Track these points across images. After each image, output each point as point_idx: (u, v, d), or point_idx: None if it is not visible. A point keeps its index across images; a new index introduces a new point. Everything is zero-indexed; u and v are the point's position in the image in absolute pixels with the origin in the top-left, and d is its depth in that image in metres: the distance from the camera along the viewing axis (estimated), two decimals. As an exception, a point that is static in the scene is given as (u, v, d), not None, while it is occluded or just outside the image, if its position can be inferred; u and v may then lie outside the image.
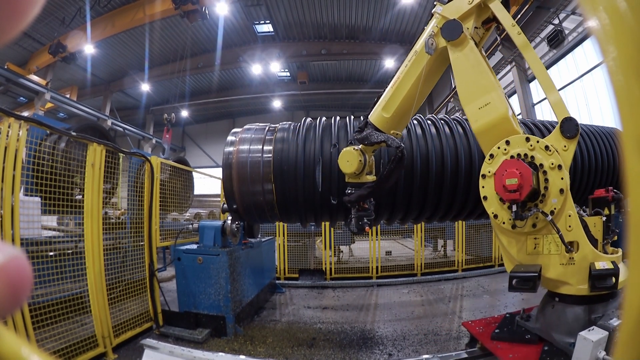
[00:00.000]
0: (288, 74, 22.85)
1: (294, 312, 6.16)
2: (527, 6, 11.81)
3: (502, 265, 8.76)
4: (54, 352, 3.50)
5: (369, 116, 3.39)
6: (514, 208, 2.66)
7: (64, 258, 3.83)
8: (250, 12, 17.04)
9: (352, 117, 4.73)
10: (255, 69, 20.55)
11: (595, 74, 10.76)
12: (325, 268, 8.14)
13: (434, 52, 3.01)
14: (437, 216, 4.70)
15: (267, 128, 4.80)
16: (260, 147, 4.53)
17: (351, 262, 9.65)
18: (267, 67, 20.47)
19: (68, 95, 18.96)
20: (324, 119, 4.72)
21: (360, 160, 3.25)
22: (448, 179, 4.28)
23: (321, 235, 8.40)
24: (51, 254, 3.80)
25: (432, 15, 3.18)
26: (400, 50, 18.13)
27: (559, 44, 11.85)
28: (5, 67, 15.25)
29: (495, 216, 2.89)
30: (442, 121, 4.63)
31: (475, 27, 3.07)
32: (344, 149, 3.31)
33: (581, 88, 11.41)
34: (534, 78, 13.75)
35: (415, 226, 8.41)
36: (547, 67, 12.89)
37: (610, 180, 5.31)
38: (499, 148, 2.87)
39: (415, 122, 4.59)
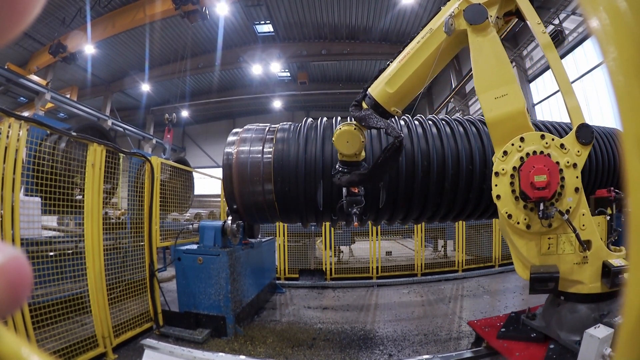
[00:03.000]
0: (288, 74, 22.85)
1: (294, 312, 6.16)
2: (527, 6, 11.80)
3: (502, 265, 8.79)
4: (54, 352, 3.50)
5: (369, 89, 3.17)
6: (542, 206, 2.59)
7: (64, 258, 3.83)
8: (251, 13, 17.04)
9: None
10: (256, 69, 20.55)
11: (596, 74, 10.76)
12: (326, 268, 8.14)
13: (452, 33, 2.89)
14: (438, 216, 4.69)
15: (267, 128, 4.80)
16: (261, 147, 4.53)
17: (351, 262, 9.66)
18: (267, 68, 20.47)
19: (68, 96, 18.97)
20: (324, 119, 4.72)
21: (362, 141, 3.04)
22: (449, 178, 4.28)
23: (321, 236, 8.40)
24: (51, 254, 3.80)
25: None
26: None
27: (559, 44, 11.85)
28: (6, 67, 15.27)
29: (509, 216, 2.78)
30: (443, 121, 4.63)
31: (497, 17, 2.97)
32: (344, 128, 3.06)
33: (581, 88, 11.41)
34: (534, 78, 13.79)
35: (415, 226, 8.41)
36: (548, 68, 12.91)
37: (610, 181, 5.31)
38: (512, 145, 2.78)
39: (416, 122, 4.59)
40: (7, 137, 3.29)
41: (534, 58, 13.64)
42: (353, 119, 3.17)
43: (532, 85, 13.85)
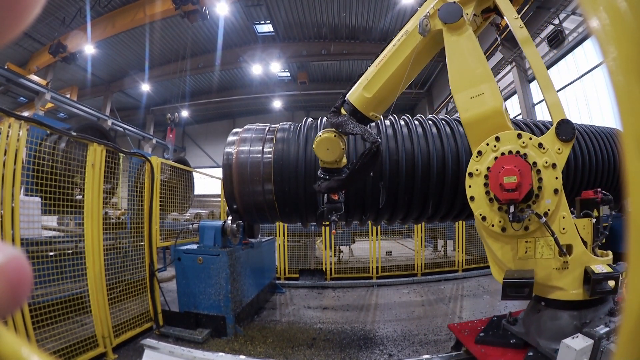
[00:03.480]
0: (288, 74, 22.85)
1: (294, 312, 6.16)
2: (527, 6, 11.82)
3: (502, 265, 8.77)
4: (54, 352, 3.50)
5: (348, 94, 3.10)
6: (512, 209, 2.48)
7: (64, 258, 3.83)
8: (251, 12, 17.04)
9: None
10: (256, 69, 20.55)
11: (596, 74, 10.76)
12: (326, 268, 8.14)
13: (427, 34, 2.82)
14: (438, 216, 4.69)
15: (267, 128, 4.80)
16: (261, 147, 4.53)
17: (351, 262, 9.65)
18: (267, 68, 20.46)
19: (68, 96, 18.96)
20: (324, 119, 4.72)
21: (342, 148, 2.97)
22: (449, 179, 4.28)
23: (321, 236, 8.40)
24: (51, 254, 3.80)
25: None
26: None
27: (559, 44, 11.85)
28: (6, 67, 15.26)
29: (484, 218, 2.70)
30: (443, 121, 4.62)
31: (475, 15, 2.92)
32: (324, 135, 2.98)
33: (581, 88, 11.41)
34: (534, 78, 13.78)
35: (415, 226, 8.41)
36: (548, 68, 12.90)
37: (611, 181, 5.30)
38: (487, 145, 2.69)
39: (416, 122, 4.59)
40: (7, 137, 3.29)
41: (534, 58, 13.61)
42: (330, 126, 3.07)
43: (532, 85, 13.84)
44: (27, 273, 0.30)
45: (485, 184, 2.66)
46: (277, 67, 20.69)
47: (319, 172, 3.16)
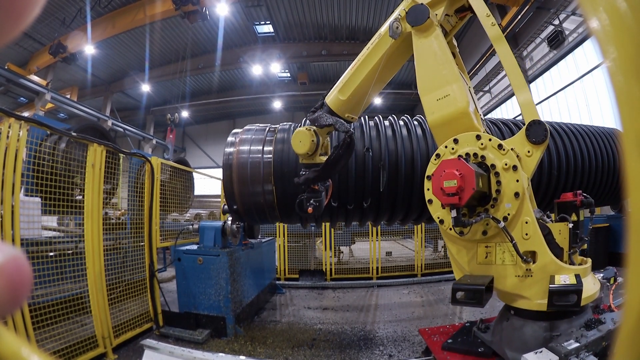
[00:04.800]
0: (288, 74, 22.86)
1: (294, 312, 6.16)
2: (527, 7, 11.82)
3: (502, 266, 8.77)
4: (54, 352, 3.50)
5: (326, 97, 3.24)
6: (454, 213, 2.39)
7: (64, 258, 3.83)
8: (251, 13, 17.05)
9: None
10: (256, 70, 20.55)
11: (596, 75, 10.77)
12: (326, 269, 8.14)
13: (398, 36, 2.82)
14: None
15: (267, 129, 4.80)
16: (261, 147, 4.52)
17: (351, 262, 9.66)
18: (267, 68, 20.47)
19: (68, 96, 18.95)
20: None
21: (312, 141, 3.03)
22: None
23: (321, 236, 8.40)
24: (51, 254, 3.80)
25: None
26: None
27: (559, 45, 11.86)
28: (6, 67, 15.26)
29: (442, 222, 2.65)
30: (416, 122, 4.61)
31: (447, 15, 2.90)
32: (297, 129, 3.10)
33: (581, 89, 11.41)
34: (534, 79, 13.79)
35: (415, 227, 8.41)
36: (548, 68, 12.93)
37: (611, 181, 5.30)
38: (446, 147, 2.65)
39: (416, 122, 4.59)
40: (7, 137, 3.29)
41: (534, 59, 13.64)
42: (309, 123, 3.21)
43: (532, 85, 13.84)
44: (27, 273, 0.30)
45: (431, 188, 2.59)
46: (277, 68, 20.70)
47: (301, 171, 3.22)
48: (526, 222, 2.44)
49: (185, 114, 24.36)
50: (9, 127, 3.31)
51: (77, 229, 4.60)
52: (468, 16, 3.05)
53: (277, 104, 24.69)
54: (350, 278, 8.19)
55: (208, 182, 9.25)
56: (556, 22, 11.82)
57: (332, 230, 8.14)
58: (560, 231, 2.65)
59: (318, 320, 5.63)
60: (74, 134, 4.11)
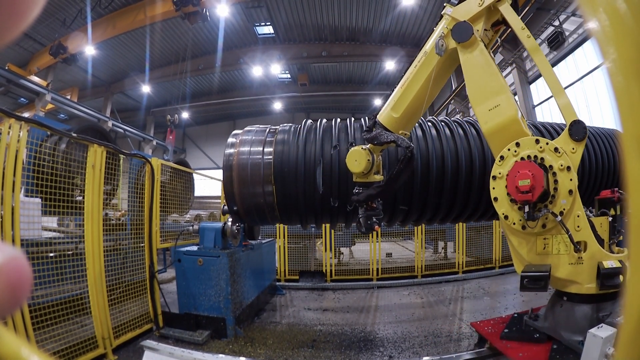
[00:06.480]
0: (288, 75, 22.87)
1: (294, 313, 6.15)
2: (527, 8, 11.83)
3: (502, 267, 8.78)
4: (54, 353, 3.49)
5: (378, 116, 3.40)
6: (526, 209, 2.70)
7: (64, 259, 3.83)
8: (251, 14, 17.06)
9: (353, 119, 4.73)
10: (256, 71, 20.57)
11: (596, 76, 10.77)
12: (326, 270, 8.14)
13: (444, 53, 3.04)
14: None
15: (267, 130, 4.80)
16: (261, 149, 4.53)
17: (351, 264, 9.65)
18: (267, 69, 20.49)
19: (69, 97, 18.96)
20: (324, 120, 4.72)
21: (368, 160, 3.25)
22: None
23: (321, 237, 8.39)
24: (51, 255, 3.80)
25: (442, 16, 3.19)
26: (401, 52, 18.14)
27: (559, 46, 11.87)
28: (6, 68, 15.27)
29: (506, 217, 2.92)
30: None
31: (485, 29, 3.09)
32: (352, 149, 3.29)
33: (581, 89, 11.41)
34: (534, 80, 13.80)
35: (415, 228, 8.41)
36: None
37: (610, 182, 5.31)
38: (509, 150, 2.90)
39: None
40: (8, 137, 3.29)
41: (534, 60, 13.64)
42: (366, 142, 3.39)
43: (533, 86, 13.85)
44: (26, 274, 0.30)
45: (507, 186, 2.85)
46: (277, 69, 20.72)
47: (355, 189, 3.42)
48: (578, 216, 2.75)
49: (185, 115, 24.39)
50: (10, 128, 3.31)
51: (77, 229, 4.60)
52: (502, 29, 3.28)
53: (277, 105, 24.71)
54: (351, 279, 8.18)
55: (208, 183, 9.26)
56: (556, 23, 11.82)
57: (332, 231, 8.14)
58: (602, 224, 3.00)
59: (318, 322, 5.63)
60: (74, 134, 4.11)
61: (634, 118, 0.52)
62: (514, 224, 2.88)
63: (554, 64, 12.47)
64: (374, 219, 3.40)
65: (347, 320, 5.65)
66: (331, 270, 8.15)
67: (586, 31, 10.01)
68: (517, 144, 2.87)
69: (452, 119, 4.81)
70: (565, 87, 11.88)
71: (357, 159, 3.24)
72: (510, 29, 3.08)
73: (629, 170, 0.53)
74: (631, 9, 0.53)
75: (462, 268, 8.55)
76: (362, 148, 3.29)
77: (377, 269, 8.17)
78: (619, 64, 0.53)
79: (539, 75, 13.51)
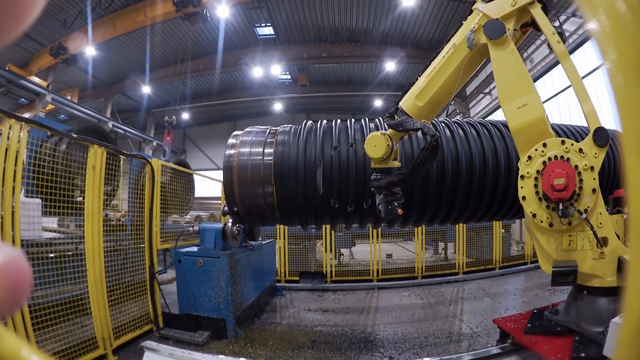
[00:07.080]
0: (289, 76, 22.86)
1: (294, 314, 6.15)
2: (527, 9, 11.82)
3: (503, 267, 8.79)
4: (54, 353, 3.49)
5: (400, 102, 3.40)
6: (561, 206, 2.79)
7: (64, 260, 3.83)
8: (251, 15, 17.07)
9: (353, 119, 4.73)
10: (256, 72, 20.57)
11: (596, 76, 10.77)
12: (326, 271, 8.13)
13: (474, 47, 3.08)
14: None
15: (268, 131, 4.80)
16: (261, 149, 4.53)
17: (352, 265, 9.64)
18: (268, 70, 20.49)
19: (69, 97, 18.96)
20: (324, 121, 4.72)
21: (388, 145, 3.24)
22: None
23: (322, 238, 8.39)
24: (51, 255, 3.80)
25: (472, 10, 3.24)
26: (401, 53, 18.13)
27: (560, 47, 11.85)
28: (7, 68, 15.28)
29: (534, 215, 2.98)
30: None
31: (514, 30, 3.13)
32: (372, 133, 3.28)
33: (581, 90, 11.40)
34: (535, 80, 13.80)
35: (415, 229, 8.41)
36: (548, 70, 12.95)
37: (610, 182, 5.30)
38: (536, 150, 2.97)
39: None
40: (8, 138, 3.29)
41: (534, 60, 13.66)
42: (389, 127, 3.35)
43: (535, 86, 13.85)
44: (26, 274, 0.30)
45: (535, 185, 2.94)
46: (277, 70, 20.72)
47: (373, 175, 3.39)
48: (600, 213, 2.85)
49: (185, 115, 24.38)
50: (10, 128, 3.31)
51: (77, 230, 4.60)
52: (530, 30, 3.31)
53: (277, 106, 24.71)
54: (351, 280, 8.17)
55: (208, 184, 9.26)
56: (556, 23, 11.83)
57: (333, 232, 8.13)
58: (617, 221, 3.18)
59: (318, 323, 5.62)
60: (74, 135, 4.11)
61: (634, 118, 0.52)
62: (542, 222, 2.95)
63: (554, 65, 12.49)
64: (396, 204, 3.35)
65: (347, 321, 5.65)
66: (331, 271, 8.15)
67: (586, 32, 10.02)
68: (544, 145, 2.95)
69: (452, 120, 4.81)
70: (566, 88, 11.93)
71: (376, 143, 3.23)
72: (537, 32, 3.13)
73: (629, 170, 0.53)
74: (631, 9, 0.53)
75: (462, 269, 8.54)
76: (381, 133, 3.28)
77: (378, 270, 8.17)
78: (619, 64, 0.53)
79: (540, 76, 13.53)
